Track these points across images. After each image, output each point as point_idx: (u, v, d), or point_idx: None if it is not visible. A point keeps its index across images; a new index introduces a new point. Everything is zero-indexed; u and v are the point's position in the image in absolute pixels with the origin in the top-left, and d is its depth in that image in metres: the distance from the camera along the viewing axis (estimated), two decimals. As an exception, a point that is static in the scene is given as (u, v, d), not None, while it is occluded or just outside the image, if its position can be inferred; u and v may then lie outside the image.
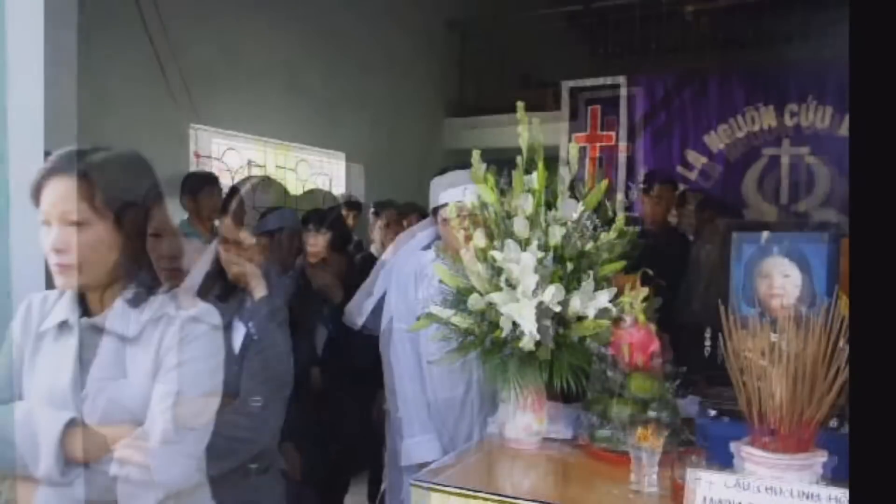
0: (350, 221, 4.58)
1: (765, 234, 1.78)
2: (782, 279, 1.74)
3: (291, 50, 4.86)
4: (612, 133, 5.95)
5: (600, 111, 5.99)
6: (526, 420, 1.81)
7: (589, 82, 6.04)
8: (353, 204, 4.58)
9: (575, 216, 1.79)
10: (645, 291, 1.76)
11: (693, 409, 1.89)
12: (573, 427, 1.91)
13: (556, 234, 1.76)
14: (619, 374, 1.73)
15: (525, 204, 1.82)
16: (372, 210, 4.44)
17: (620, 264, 1.83)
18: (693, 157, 5.73)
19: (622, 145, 5.90)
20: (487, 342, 1.77)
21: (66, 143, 1.51)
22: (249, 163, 4.64)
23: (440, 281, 1.90)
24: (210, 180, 3.81)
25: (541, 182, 1.84)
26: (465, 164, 2.03)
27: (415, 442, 2.29)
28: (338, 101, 5.35)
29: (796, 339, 1.43)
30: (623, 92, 5.90)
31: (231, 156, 4.55)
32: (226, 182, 4.51)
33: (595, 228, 1.81)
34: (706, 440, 1.69)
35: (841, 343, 1.44)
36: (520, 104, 1.95)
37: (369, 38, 5.71)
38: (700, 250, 4.71)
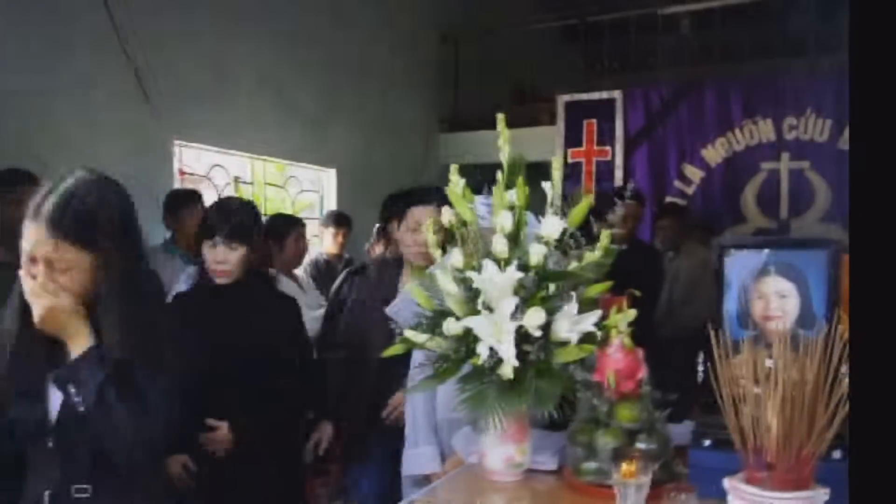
0: (339, 240, 4.48)
1: (764, 252, 1.67)
2: (779, 300, 1.64)
3: (279, 65, 4.79)
4: (608, 148, 5.86)
5: (596, 125, 5.90)
6: (507, 451, 1.70)
7: (584, 96, 5.96)
8: (341, 220, 4.48)
9: (557, 234, 1.69)
10: (632, 314, 1.65)
11: (689, 437, 1.78)
12: (559, 457, 1.79)
13: (538, 253, 1.66)
14: (605, 403, 1.62)
15: (505, 221, 1.72)
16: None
17: (606, 285, 1.72)
18: (691, 171, 5.63)
19: (618, 160, 5.80)
20: (465, 368, 1.67)
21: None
22: (236, 179, 4.55)
23: (417, 304, 1.79)
24: (193, 198, 3.72)
25: (521, 199, 1.74)
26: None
27: (417, 452, 2.21)
28: (329, 116, 5.27)
29: (794, 366, 1.32)
30: (619, 106, 5.81)
31: (218, 172, 4.47)
32: (212, 199, 4.43)
33: (579, 247, 1.71)
34: (699, 473, 1.58)
35: (843, 370, 1.33)
36: (500, 116, 1.85)
37: (361, 53, 5.65)
38: (679, 266, 4.64)
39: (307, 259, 4.49)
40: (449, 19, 6.72)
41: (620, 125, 5.81)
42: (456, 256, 1.73)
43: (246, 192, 4.76)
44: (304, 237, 3.49)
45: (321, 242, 4.62)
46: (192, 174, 4.12)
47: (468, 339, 1.65)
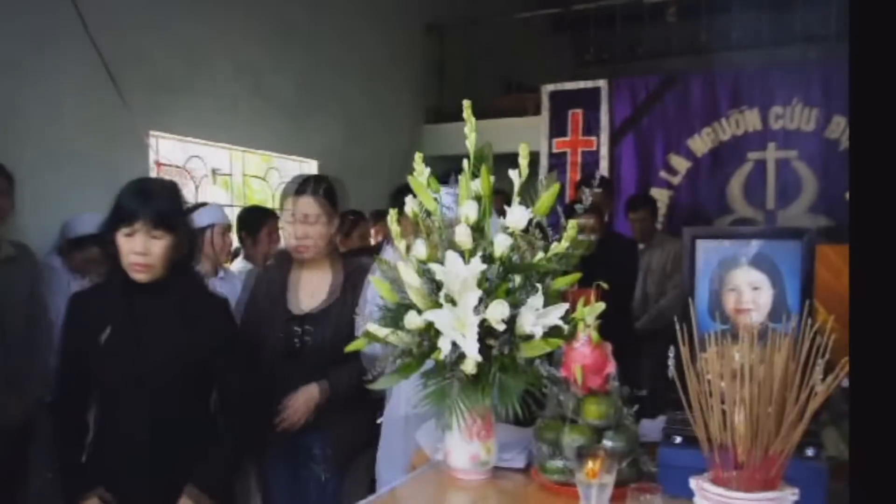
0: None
1: (736, 243, 1.62)
2: (752, 292, 1.58)
3: (258, 54, 4.69)
4: (594, 138, 5.79)
5: (582, 115, 5.83)
6: (472, 449, 1.65)
7: (570, 86, 5.88)
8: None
9: (523, 224, 1.63)
10: (601, 307, 1.59)
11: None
12: (527, 455, 1.74)
13: (502, 244, 1.60)
14: (572, 399, 1.56)
15: (469, 211, 1.65)
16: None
17: (575, 277, 1.66)
18: (677, 161, 5.57)
19: (604, 151, 5.74)
20: (428, 364, 1.61)
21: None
22: (214, 171, 4.47)
23: (380, 296, 1.73)
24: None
25: (486, 188, 1.67)
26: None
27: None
28: (310, 106, 5.18)
29: (762, 361, 1.27)
30: (605, 95, 5.74)
31: (195, 164, 4.38)
32: (190, 191, 4.35)
33: (546, 237, 1.65)
34: (669, 471, 1.53)
35: (818, 363, 1.28)
36: (466, 103, 1.79)
37: (343, 42, 5.55)
38: (650, 258, 4.61)
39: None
40: (434, 9, 6.63)
41: (606, 115, 5.73)
42: (419, 248, 1.67)
43: (226, 184, 4.68)
44: (277, 230, 3.40)
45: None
46: (169, 165, 4.04)
47: (430, 334, 1.59)
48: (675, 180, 5.58)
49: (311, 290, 2.41)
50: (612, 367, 1.55)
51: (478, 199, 1.71)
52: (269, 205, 4.93)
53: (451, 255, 1.58)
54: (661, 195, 5.60)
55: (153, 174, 3.95)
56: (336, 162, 5.28)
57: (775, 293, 1.56)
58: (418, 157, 1.80)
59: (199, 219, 2.80)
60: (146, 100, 3.84)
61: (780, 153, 5.33)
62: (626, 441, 1.53)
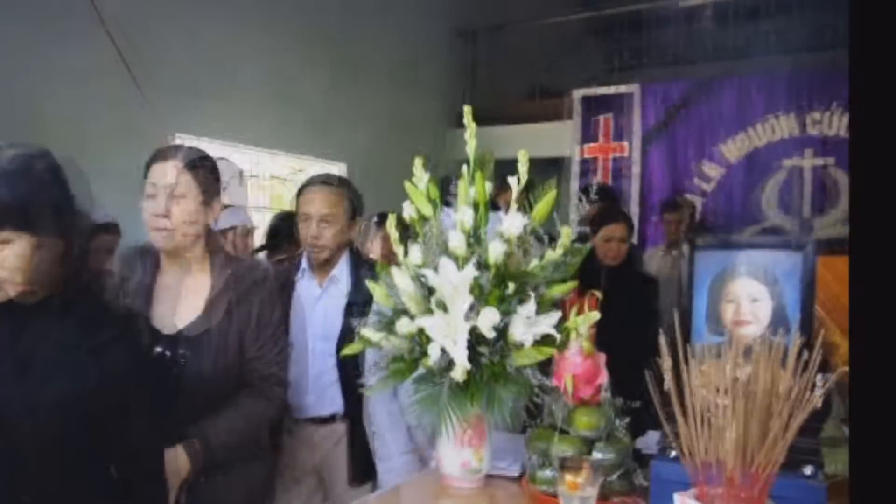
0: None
1: (735, 253, 1.58)
2: (751, 304, 1.54)
3: (285, 58, 4.74)
4: (625, 143, 5.72)
5: (612, 121, 5.77)
6: (463, 456, 1.63)
7: (600, 91, 5.83)
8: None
9: (518, 231, 1.61)
10: (595, 316, 1.56)
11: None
12: (522, 464, 1.72)
13: (497, 251, 1.58)
14: (563, 409, 1.54)
15: (465, 217, 1.64)
16: (375, 220, 4.33)
17: (571, 285, 1.64)
18: (709, 167, 5.47)
19: (635, 156, 5.66)
20: (421, 369, 1.60)
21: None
22: (241, 172, 4.53)
23: (376, 301, 1.73)
24: None
25: (481, 195, 1.66)
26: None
27: (391, 466, 2.13)
28: (337, 109, 5.22)
29: (754, 375, 1.23)
30: (636, 100, 5.67)
31: (222, 166, 4.44)
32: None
33: (541, 244, 1.63)
34: (662, 486, 1.49)
35: (810, 376, 1.24)
36: (466, 108, 1.78)
37: (371, 46, 5.58)
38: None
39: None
40: (464, 14, 6.63)
41: (637, 120, 5.67)
42: (415, 253, 1.66)
43: (261, 187, 4.75)
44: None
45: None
46: (194, 167, 4.10)
47: (422, 340, 1.58)
48: (707, 187, 5.49)
49: (185, 300, 1.80)
50: (604, 378, 1.52)
51: (475, 205, 1.70)
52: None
53: (445, 262, 1.58)
54: (693, 201, 5.51)
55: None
56: (363, 164, 5.31)
57: (775, 305, 1.51)
58: (418, 162, 1.80)
59: (221, 221, 2.83)
60: (171, 102, 3.92)
61: (818, 160, 5.20)
62: (616, 453, 1.50)
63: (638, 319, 2.71)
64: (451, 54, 6.62)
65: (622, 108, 5.71)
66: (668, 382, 1.27)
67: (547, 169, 6.02)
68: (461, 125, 6.51)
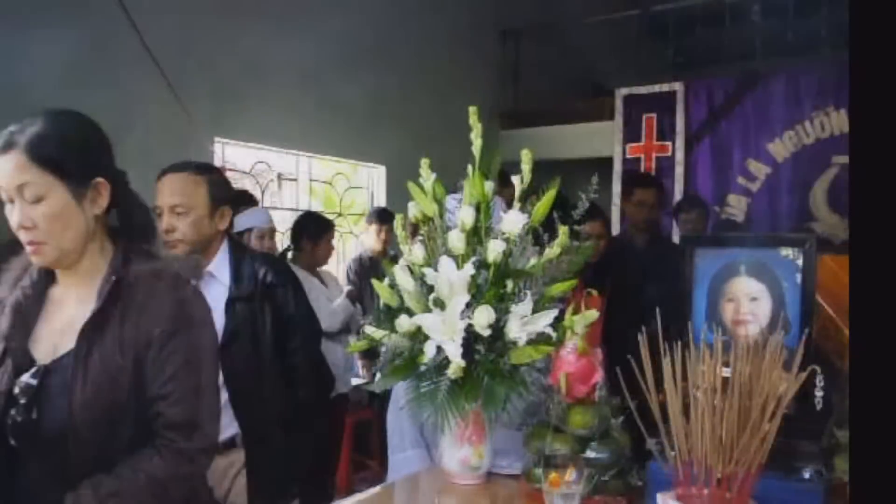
0: (383, 236, 4.49)
1: (734, 251, 1.56)
2: (750, 303, 1.52)
3: (326, 62, 4.83)
4: (669, 143, 5.63)
5: (656, 120, 5.68)
6: (463, 453, 1.65)
7: (644, 90, 5.74)
8: (385, 217, 4.49)
9: (517, 230, 1.62)
10: (593, 315, 1.56)
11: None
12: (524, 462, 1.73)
13: (495, 250, 1.60)
14: (559, 407, 1.55)
15: (466, 217, 1.66)
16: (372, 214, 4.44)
17: (570, 283, 1.64)
18: (755, 167, 5.34)
19: (679, 156, 5.57)
20: (420, 367, 1.63)
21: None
22: (279, 176, 4.65)
23: (380, 298, 1.77)
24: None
25: (480, 195, 1.68)
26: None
27: (405, 457, 2.07)
28: (378, 112, 5.28)
29: (743, 371, 1.22)
30: (680, 99, 5.57)
31: (261, 169, 4.57)
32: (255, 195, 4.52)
33: (540, 243, 1.64)
34: (657, 486, 1.48)
35: (798, 376, 1.22)
36: (472, 109, 1.80)
37: (414, 49, 5.63)
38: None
39: (351, 257, 4.55)
40: (509, 14, 6.63)
41: (682, 119, 5.57)
42: (417, 252, 1.69)
43: (291, 189, 4.86)
44: (332, 240, 3.51)
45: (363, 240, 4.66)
46: (234, 170, 4.23)
47: (420, 337, 1.61)
48: (754, 186, 5.35)
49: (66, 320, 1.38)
50: (599, 377, 1.52)
51: (478, 205, 1.72)
52: (337, 209, 5.09)
53: (445, 260, 1.60)
54: (738, 202, 5.40)
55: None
56: (405, 167, 5.35)
57: (774, 303, 1.49)
58: (424, 163, 1.83)
59: (239, 223, 2.92)
60: (212, 108, 4.04)
61: (871, 157, 5.01)
62: (610, 452, 1.50)
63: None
64: (497, 56, 6.63)
65: (666, 107, 5.62)
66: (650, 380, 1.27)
67: (598, 169, 5.98)
68: (509, 126, 6.59)
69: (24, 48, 3.28)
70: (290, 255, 3.63)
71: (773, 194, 5.29)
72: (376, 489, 1.71)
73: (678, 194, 5.49)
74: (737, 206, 5.39)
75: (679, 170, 5.56)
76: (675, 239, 4.50)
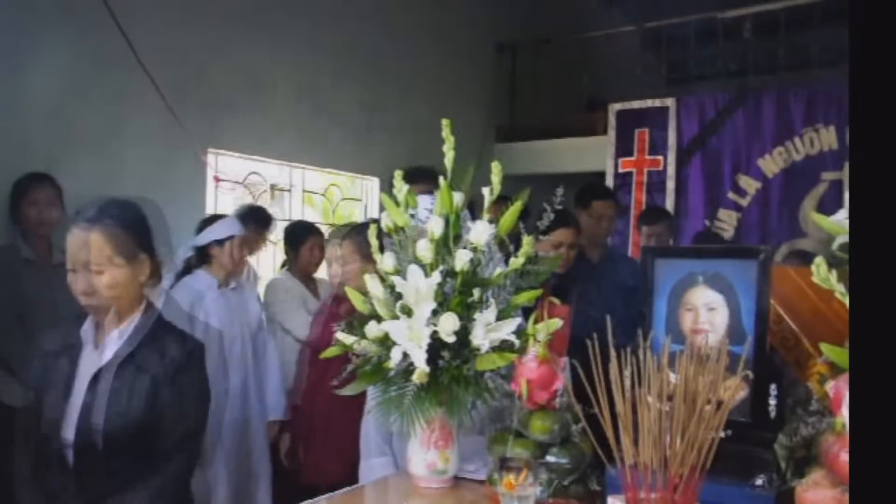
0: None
1: (692, 261, 1.60)
2: (708, 313, 1.56)
3: (321, 74, 4.89)
4: (661, 157, 5.68)
5: (648, 134, 5.73)
6: (429, 458, 1.69)
7: (636, 104, 5.80)
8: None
9: (484, 240, 1.67)
10: (556, 324, 1.60)
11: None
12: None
13: (462, 259, 1.64)
14: (520, 412, 1.58)
15: (435, 226, 1.71)
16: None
17: (535, 293, 1.69)
18: (746, 182, 5.38)
19: (671, 170, 5.62)
20: (388, 372, 1.67)
21: None
22: (272, 186, 4.70)
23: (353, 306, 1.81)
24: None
25: (448, 206, 1.72)
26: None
27: (369, 464, 2.14)
28: (373, 124, 5.33)
29: (687, 378, 1.26)
30: (672, 114, 5.63)
31: (254, 180, 4.63)
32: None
33: (506, 253, 1.69)
34: (616, 491, 1.52)
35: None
36: (445, 122, 1.84)
37: (410, 61, 5.68)
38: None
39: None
40: (505, 29, 6.70)
41: (673, 134, 5.62)
42: (388, 260, 1.74)
43: (285, 200, 4.90)
44: (320, 246, 3.53)
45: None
46: (227, 181, 4.29)
47: (388, 343, 1.65)
48: (744, 201, 5.40)
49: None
50: (560, 384, 1.56)
51: (447, 216, 1.76)
52: (330, 220, 5.14)
53: (413, 268, 1.65)
54: (728, 217, 5.44)
55: (211, 189, 4.20)
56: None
57: (731, 313, 1.52)
58: (397, 174, 1.88)
59: (219, 230, 2.97)
60: (205, 118, 4.09)
61: (859, 174, 5.05)
62: (570, 457, 1.53)
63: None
64: (493, 69, 6.69)
65: (658, 122, 5.68)
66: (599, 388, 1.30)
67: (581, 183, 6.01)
68: (505, 139, 6.62)
69: (14, 60, 3.35)
70: (285, 269, 3.69)
71: (762, 210, 5.33)
72: (344, 490, 1.74)
73: (669, 208, 5.52)
74: (727, 221, 5.43)
75: (671, 184, 5.61)
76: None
